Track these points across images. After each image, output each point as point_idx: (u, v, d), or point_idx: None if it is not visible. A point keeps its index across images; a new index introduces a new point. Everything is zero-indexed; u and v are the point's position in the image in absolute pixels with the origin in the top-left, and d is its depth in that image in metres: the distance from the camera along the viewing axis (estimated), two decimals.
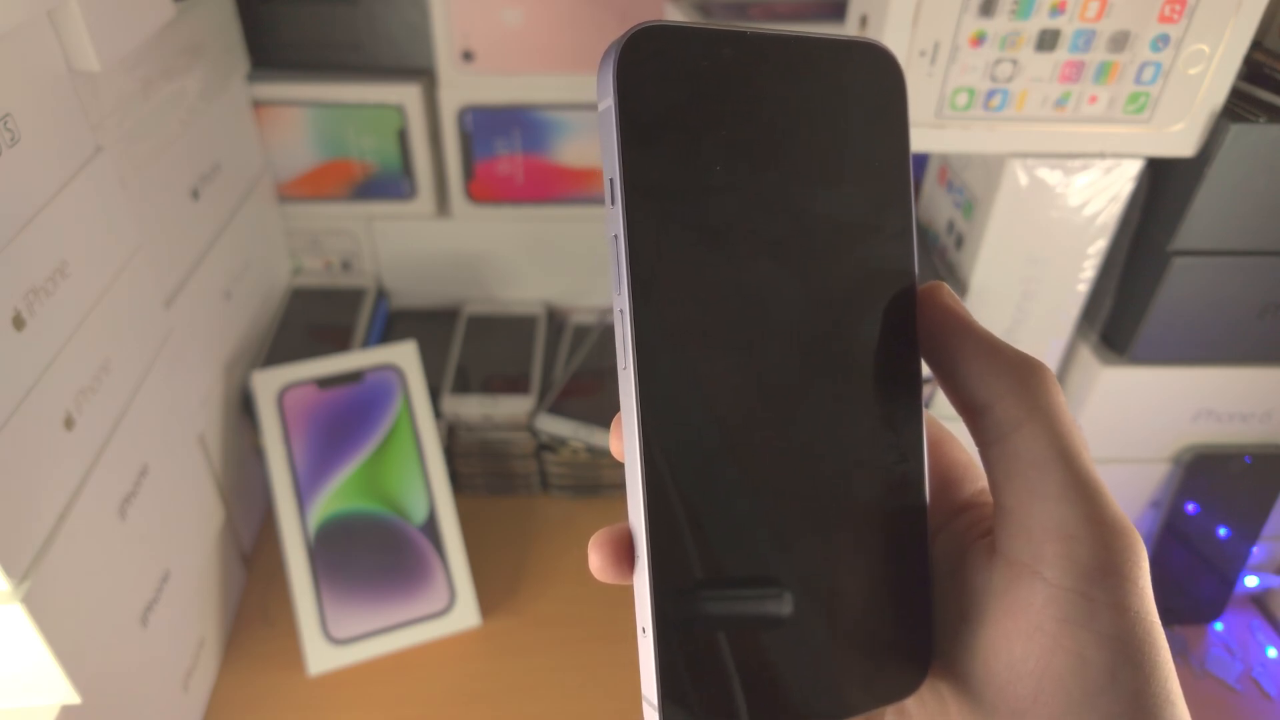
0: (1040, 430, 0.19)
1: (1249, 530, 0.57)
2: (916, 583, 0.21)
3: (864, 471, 0.20)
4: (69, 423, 0.39)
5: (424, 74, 0.67)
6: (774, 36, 0.19)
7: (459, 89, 0.66)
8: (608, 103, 0.18)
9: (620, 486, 0.64)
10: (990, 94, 0.45)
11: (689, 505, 0.18)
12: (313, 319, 0.70)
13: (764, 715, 0.19)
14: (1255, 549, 0.59)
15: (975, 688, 0.20)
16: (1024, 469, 0.19)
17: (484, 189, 0.71)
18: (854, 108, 0.20)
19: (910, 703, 0.21)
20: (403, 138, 0.68)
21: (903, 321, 0.21)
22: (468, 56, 0.64)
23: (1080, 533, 0.18)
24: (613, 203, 0.18)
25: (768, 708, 0.19)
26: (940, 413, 0.55)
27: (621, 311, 0.18)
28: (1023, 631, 0.19)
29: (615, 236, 0.18)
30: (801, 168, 0.19)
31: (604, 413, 0.65)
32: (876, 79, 0.20)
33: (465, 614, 0.58)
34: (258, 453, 0.63)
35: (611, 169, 0.18)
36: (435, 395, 0.64)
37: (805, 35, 0.20)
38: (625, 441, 0.19)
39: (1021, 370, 0.19)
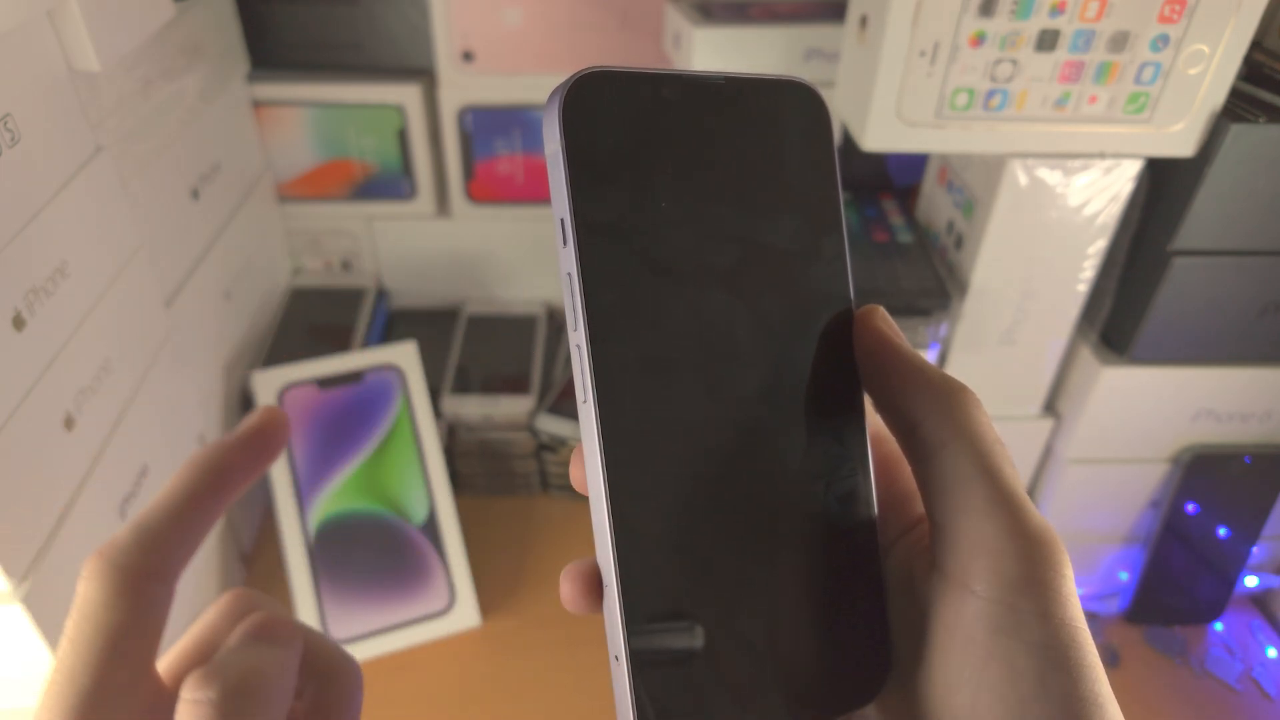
0: (962, 449, 0.20)
1: (1249, 530, 0.57)
2: (871, 594, 0.22)
3: (816, 490, 0.21)
4: (69, 423, 0.39)
5: (424, 74, 0.67)
6: (708, 78, 0.20)
7: (459, 89, 0.66)
8: (555, 146, 0.19)
9: None
10: (990, 94, 0.45)
11: (654, 535, 0.19)
12: (313, 319, 0.70)
13: None
14: (1255, 549, 0.59)
15: (924, 697, 0.20)
16: (949, 486, 0.20)
17: (484, 189, 0.71)
18: (786, 142, 0.21)
19: (871, 709, 0.22)
20: (403, 138, 0.68)
21: (843, 345, 0.22)
22: (468, 56, 0.64)
23: (1004, 546, 0.19)
24: (564, 243, 0.19)
25: None
26: None
27: (579, 347, 0.19)
28: (959, 643, 0.19)
29: (569, 275, 0.19)
30: (741, 201, 0.20)
31: None
32: (805, 115, 0.22)
33: (465, 614, 0.58)
34: None
35: (562, 209, 0.19)
36: (435, 395, 0.64)
37: (737, 76, 0.21)
38: (589, 475, 0.19)
39: (944, 392, 0.20)
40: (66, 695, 0.19)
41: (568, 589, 0.20)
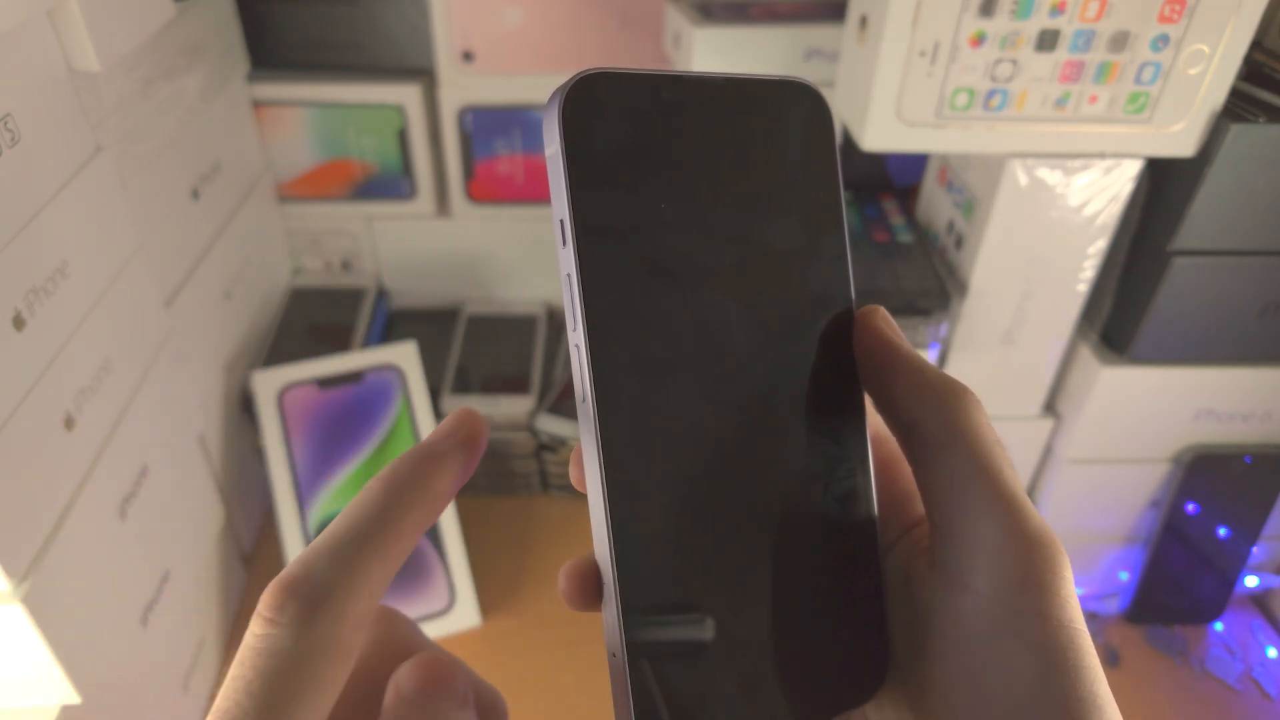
0: (962, 450, 0.20)
1: (1249, 530, 0.57)
2: (870, 594, 0.22)
3: (816, 490, 0.21)
4: (69, 423, 0.39)
5: (424, 74, 0.67)
6: (709, 79, 0.20)
7: (459, 89, 0.66)
8: (555, 148, 0.19)
9: None
10: (990, 94, 0.45)
11: (652, 534, 0.19)
12: (313, 319, 0.70)
13: None
14: (1255, 549, 0.59)
15: (923, 696, 0.20)
16: (949, 487, 0.20)
17: (484, 189, 0.71)
18: (787, 143, 0.21)
19: (870, 709, 0.22)
20: (403, 138, 0.68)
21: (843, 345, 0.22)
22: (468, 56, 0.64)
23: (1003, 546, 0.19)
24: (564, 243, 0.19)
25: None
26: None
27: (578, 347, 0.19)
28: (957, 643, 0.19)
29: (568, 275, 0.19)
30: (741, 202, 0.20)
31: None
32: (806, 115, 0.21)
33: (465, 614, 0.58)
34: (258, 453, 0.63)
35: (561, 210, 0.19)
36: (435, 395, 0.64)
37: (738, 76, 0.21)
38: (587, 474, 0.19)
39: (943, 392, 0.20)
40: None
41: (566, 585, 0.19)
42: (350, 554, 0.17)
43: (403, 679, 0.18)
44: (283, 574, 0.17)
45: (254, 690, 0.16)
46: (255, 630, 0.16)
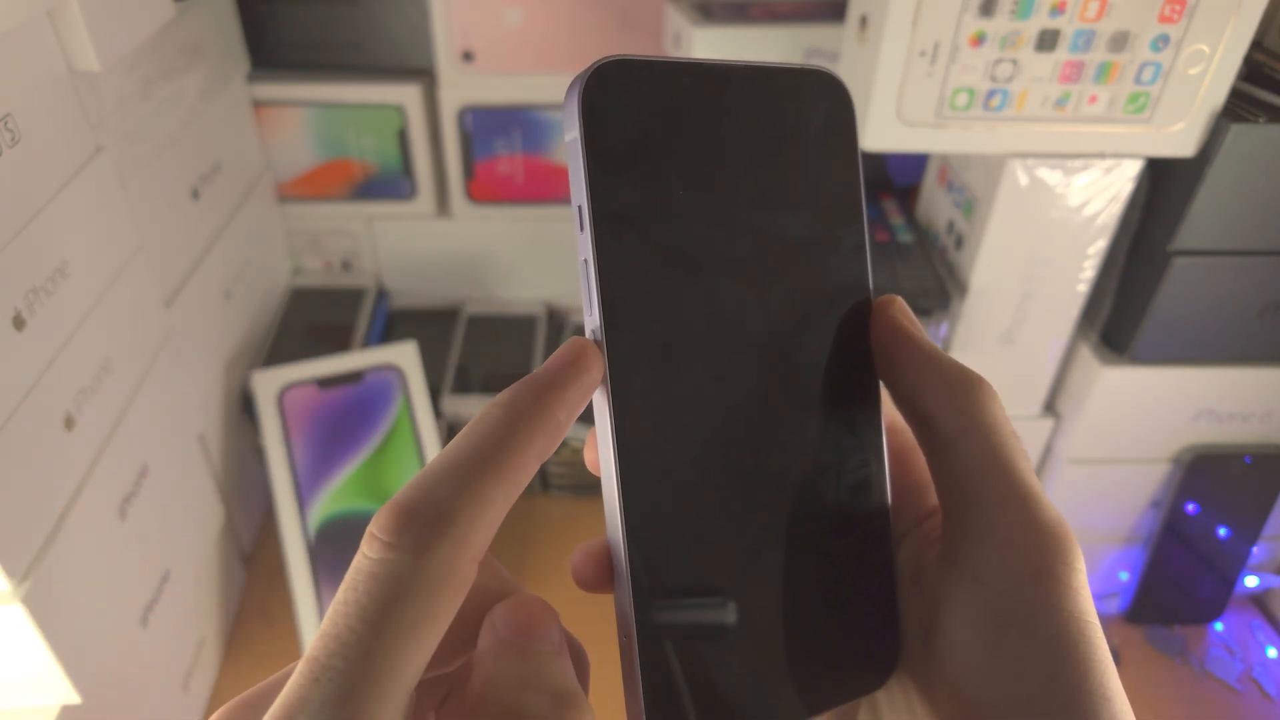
0: (977, 441, 0.20)
1: (1249, 530, 0.57)
2: (881, 582, 0.22)
3: (829, 479, 0.21)
4: (69, 423, 0.39)
5: (424, 74, 0.67)
6: (730, 67, 0.20)
7: (459, 89, 0.66)
8: (574, 134, 0.19)
9: None
10: (990, 94, 0.45)
11: (665, 518, 0.19)
12: (313, 319, 0.70)
13: (745, 715, 0.20)
14: (1255, 549, 0.59)
15: (933, 685, 0.20)
16: (963, 477, 0.20)
17: (484, 189, 0.71)
18: (807, 133, 0.21)
19: (880, 697, 0.22)
20: (403, 138, 0.68)
21: (859, 335, 0.22)
22: (468, 56, 0.64)
23: (1015, 538, 0.19)
24: (581, 229, 0.19)
25: (748, 707, 0.20)
26: None
27: (593, 332, 0.19)
28: (968, 633, 0.19)
29: (585, 261, 0.19)
30: (760, 191, 0.20)
31: None
32: (827, 105, 0.21)
33: None
34: (258, 453, 0.63)
35: (580, 196, 0.19)
36: (435, 395, 0.64)
37: (759, 65, 0.21)
38: (601, 458, 0.19)
39: (960, 383, 0.20)
40: (354, 682, 0.14)
41: (580, 562, 0.19)
42: (472, 479, 0.16)
43: (499, 621, 0.18)
44: (399, 496, 0.16)
45: (369, 616, 0.15)
46: (369, 554, 0.16)
